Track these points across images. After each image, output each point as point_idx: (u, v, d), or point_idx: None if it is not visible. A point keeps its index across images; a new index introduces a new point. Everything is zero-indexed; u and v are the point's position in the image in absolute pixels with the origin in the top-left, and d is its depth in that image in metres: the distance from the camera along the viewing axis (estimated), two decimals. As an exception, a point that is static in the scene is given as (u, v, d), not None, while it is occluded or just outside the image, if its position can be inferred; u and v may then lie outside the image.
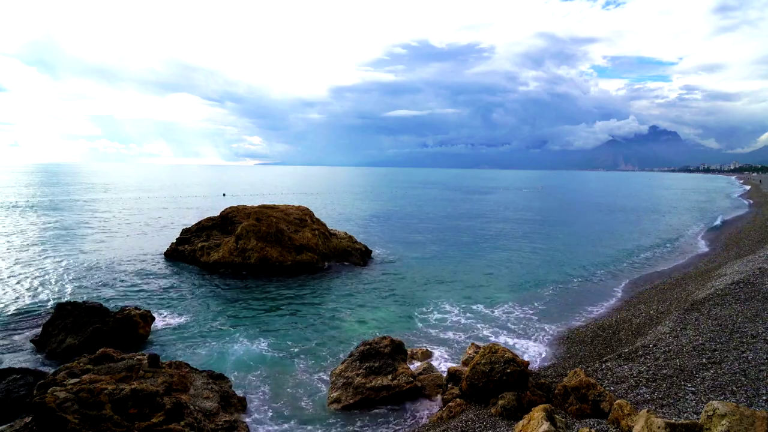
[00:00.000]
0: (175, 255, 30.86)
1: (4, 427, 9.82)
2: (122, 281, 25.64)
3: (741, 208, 73.26)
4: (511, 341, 17.81)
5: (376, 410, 12.68)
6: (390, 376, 13.14)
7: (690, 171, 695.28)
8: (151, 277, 26.75)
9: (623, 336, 16.49)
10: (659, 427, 7.00)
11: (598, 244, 39.93)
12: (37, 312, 20.10)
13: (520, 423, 9.06)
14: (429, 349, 16.57)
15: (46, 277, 26.08)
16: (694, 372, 11.28)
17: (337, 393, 13.06)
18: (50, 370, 13.42)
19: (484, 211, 71.07)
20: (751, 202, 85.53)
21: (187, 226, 34.65)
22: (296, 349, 17.01)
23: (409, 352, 15.40)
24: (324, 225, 33.45)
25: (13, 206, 61.50)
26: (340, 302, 22.80)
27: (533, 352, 16.74)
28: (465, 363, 14.09)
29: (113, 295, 23.04)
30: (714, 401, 7.05)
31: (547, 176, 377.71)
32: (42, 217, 50.67)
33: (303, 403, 13.36)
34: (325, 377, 14.71)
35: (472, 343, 15.21)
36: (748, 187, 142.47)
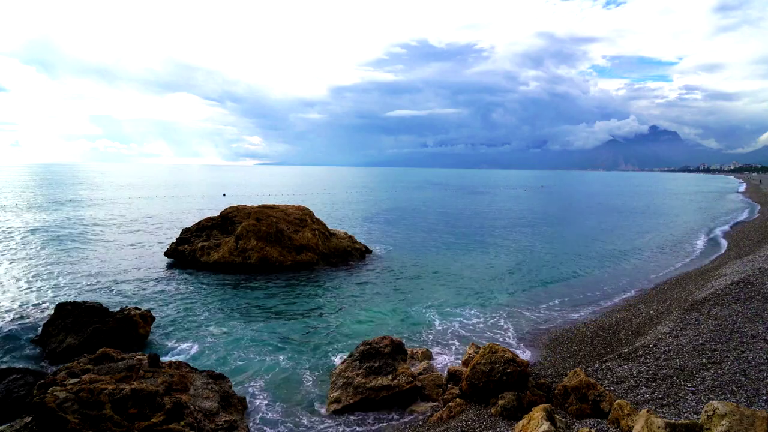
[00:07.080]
0: (175, 255, 30.84)
1: (4, 427, 9.82)
2: (122, 281, 25.63)
3: (742, 209, 73.19)
4: (511, 341, 17.82)
5: (376, 410, 12.70)
6: (390, 376, 13.14)
7: (690, 171, 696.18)
8: (151, 276, 26.76)
9: (623, 336, 16.49)
10: (659, 427, 7.00)
11: (599, 244, 39.93)
12: (37, 312, 20.10)
13: (520, 423, 9.06)
14: (429, 349, 16.57)
15: (46, 277, 26.08)
16: (694, 372, 11.28)
17: (337, 393, 13.06)
18: (50, 370, 13.44)
19: (484, 210, 71.08)
20: (751, 199, 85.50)
21: (187, 226, 34.64)
22: (296, 349, 17.02)
23: (409, 352, 15.40)
24: (324, 225, 33.45)
25: (13, 206, 61.47)
26: (340, 302, 22.80)
27: (533, 351, 16.74)
28: (465, 363, 14.09)
29: (113, 295, 23.04)
30: (714, 401, 7.05)
31: (548, 176, 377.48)
32: (42, 217, 50.64)
33: (303, 403, 13.37)
34: (325, 377, 14.72)
35: (472, 343, 15.20)
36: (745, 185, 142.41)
